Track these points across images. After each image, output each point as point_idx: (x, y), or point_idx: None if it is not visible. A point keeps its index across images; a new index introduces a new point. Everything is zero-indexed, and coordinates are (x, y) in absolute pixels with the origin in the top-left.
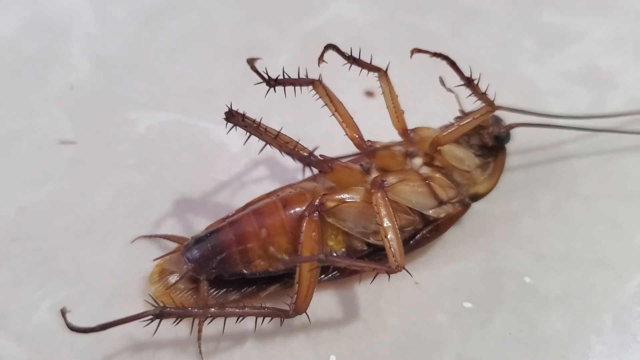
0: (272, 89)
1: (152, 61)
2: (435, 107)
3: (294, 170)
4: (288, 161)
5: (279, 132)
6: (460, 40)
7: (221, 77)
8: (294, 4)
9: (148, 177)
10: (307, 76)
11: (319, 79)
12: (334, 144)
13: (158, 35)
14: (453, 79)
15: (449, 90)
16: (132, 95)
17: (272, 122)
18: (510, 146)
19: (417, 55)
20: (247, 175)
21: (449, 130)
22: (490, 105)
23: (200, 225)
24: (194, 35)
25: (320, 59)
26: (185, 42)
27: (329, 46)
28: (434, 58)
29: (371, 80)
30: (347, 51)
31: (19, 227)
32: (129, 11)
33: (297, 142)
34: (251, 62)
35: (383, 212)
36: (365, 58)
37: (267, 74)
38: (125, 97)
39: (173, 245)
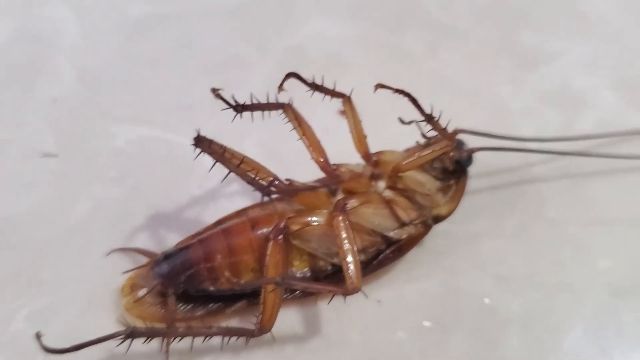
0: (239, 115)
1: (134, 75)
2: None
3: None
4: None
5: (243, 159)
6: (435, 58)
7: (200, 92)
8: (274, 20)
9: (125, 190)
10: (277, 100)
11: (288, 103)
12: (310, 161)
13: (141, 49)
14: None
15: (410, 123)
16: (113, 109)
17: (248, 139)
18: (476, 168)
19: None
20: (219, 191)
21: (409, 160)
22: (450, 140)
23: (172, 239)
24: (176, 50)
25: (280, 87)
26: (167, 57)
27: (290, 74)
28: (397, 94)
29: None
30: (309, 78)
31: (0, 236)
32: (114, 24)
33: (261, 167)
34: (215, 91)
35: (343, 235)
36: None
37: (234, 99)
38: (106, 110)
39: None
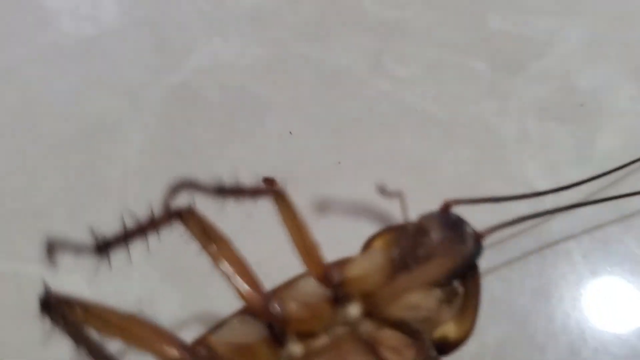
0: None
1: None
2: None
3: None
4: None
5: (120, 327)
6: (385, 75)
7: (53, 190)
8: (145, 52)
9: None
10: (168, 213)
11: (188, 208)
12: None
13: None
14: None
15: (392, 195)
16: None
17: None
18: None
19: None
20: None
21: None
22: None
23: None
24: (14, 119)
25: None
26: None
27: (181, 184)
28: None
29: None
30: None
31: None
32: None
33: (152, 331)
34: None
35: None
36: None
37: (96, 237)
38: None
39: None
